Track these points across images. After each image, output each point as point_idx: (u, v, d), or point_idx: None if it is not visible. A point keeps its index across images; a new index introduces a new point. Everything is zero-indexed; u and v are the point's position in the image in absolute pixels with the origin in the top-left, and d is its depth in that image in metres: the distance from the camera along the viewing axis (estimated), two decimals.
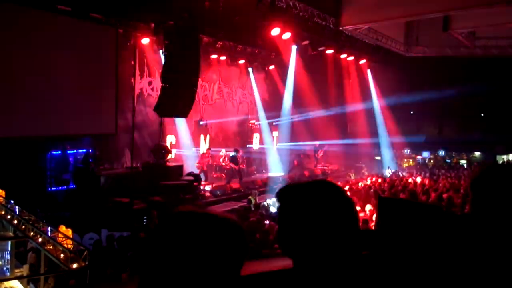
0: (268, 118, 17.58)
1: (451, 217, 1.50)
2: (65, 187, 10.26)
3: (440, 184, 11.60)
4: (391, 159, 17.51)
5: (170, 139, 13.35)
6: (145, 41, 11.84)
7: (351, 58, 15.99)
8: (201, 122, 14.87)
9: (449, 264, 1.23)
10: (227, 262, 0.83)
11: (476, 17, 10.58)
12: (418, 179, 13.73)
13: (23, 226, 4.67)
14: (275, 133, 17.81)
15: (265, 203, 9.59)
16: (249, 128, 17.04)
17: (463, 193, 9.79)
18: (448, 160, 19.46)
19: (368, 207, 8.58)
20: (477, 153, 19.73)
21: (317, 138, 16.80)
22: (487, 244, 1.24)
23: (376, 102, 18.49)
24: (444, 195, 9.78)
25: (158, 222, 0.91)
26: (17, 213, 4.95)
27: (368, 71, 18.12)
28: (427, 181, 12.52)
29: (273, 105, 17.61)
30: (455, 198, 9.15)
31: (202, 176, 12.55)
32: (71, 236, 4.34)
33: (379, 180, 12.41)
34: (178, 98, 10.58)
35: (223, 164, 14.22)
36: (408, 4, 9.46)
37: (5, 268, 4.65)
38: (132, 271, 5.45)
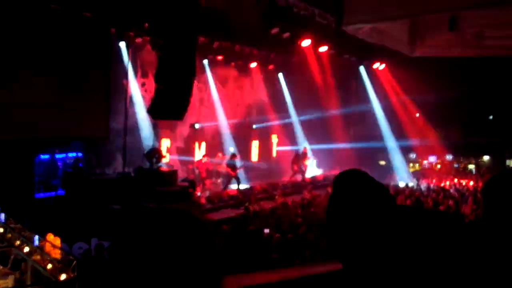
0: (268, 121, 17.59)
1: (460, 224, 1.50)
2: (53, 193, 10.21)
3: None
4: (399, 165, 17.36)
5: (165, 143, 13.33)
6: (139, 40, 11.86)
7: (354, 58, 16.07)
8: (196, 126, 14.85)
9: (458, 272, 1.23)
10: (187, 257, 0.83)
11: (484, 17, 10.64)
12: (425, 185, 13.75)
13: (9, 235, 4.64)
14: (274, 136, 17.82)
15: None
16: (250, 132, 17.05)
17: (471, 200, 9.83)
18: (456, 165, 19.47)
19: None
20: (486, 157, 19.75)
21: (320, 141, 16.82)
22: (498, 253, 1.24)
23: (381, 105, 18.55)
24: (450, 202, 9.81)
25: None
26: (3, 221, 4.92)
27: (372, 72, 18.19)
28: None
29: (271, 106, 17.63)
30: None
31: (197, 181, 12.52)
32: (59, 246, 4.32)
33: None
34: (172, 100, 10.57)
35: (220, 169, 14.20)
36: (413, 3, 9.50)
37: None
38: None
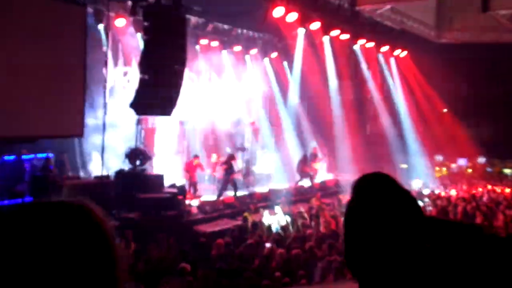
0: (268, 116, 17.60)
1: (492, 239, 1.49)
2: (19, 200, 10.20)
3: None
4: (424, 168, 17.40)
5: (151, 143, 13.33)
6: (120, 22, 11.85)
7: (371, 44, 16.05)
8: (187, 122, 14.86)
9: None
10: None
11: None
12: (453, 192, 13.76)
13: None
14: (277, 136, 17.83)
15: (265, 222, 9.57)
16: (248, 129, 17.07)
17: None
18: (489, 169, 19.43)
19: None
20: None
21: (328, 140, 16.82)
22: None
23: (402, 98, 18.55)
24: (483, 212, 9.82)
25: None
26: None
27: (392, 61, 18.19)
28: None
29: (274, 100, 17.64)
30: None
31: (188, 187, 12.52)
32: None
33: None
34: (159, 92, 10.59)
35: (214, 173, 14.18)
36: None
37: None
38: None
